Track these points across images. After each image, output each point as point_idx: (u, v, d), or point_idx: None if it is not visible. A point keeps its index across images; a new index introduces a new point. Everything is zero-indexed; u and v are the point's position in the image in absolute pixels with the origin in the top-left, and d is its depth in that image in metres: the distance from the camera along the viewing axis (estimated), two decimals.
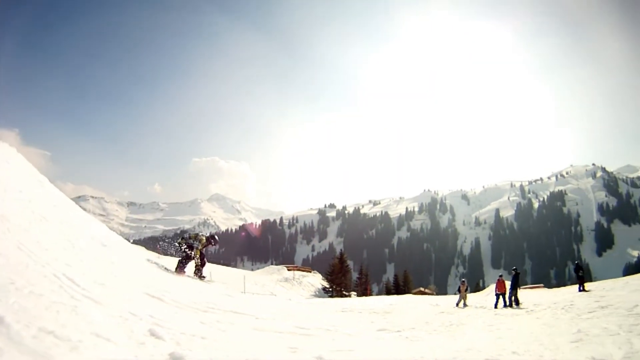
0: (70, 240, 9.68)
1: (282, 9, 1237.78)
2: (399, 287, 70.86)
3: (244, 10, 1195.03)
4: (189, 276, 18.62)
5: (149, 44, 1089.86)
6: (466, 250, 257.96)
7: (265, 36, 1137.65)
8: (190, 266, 19.57)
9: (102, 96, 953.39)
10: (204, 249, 19.71)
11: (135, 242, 67.36)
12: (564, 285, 39.67)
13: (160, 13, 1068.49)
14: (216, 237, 20.61)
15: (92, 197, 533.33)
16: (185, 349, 5.86)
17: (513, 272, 23.83)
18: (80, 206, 17.92)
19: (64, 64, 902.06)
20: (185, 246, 19.34)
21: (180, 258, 19.44)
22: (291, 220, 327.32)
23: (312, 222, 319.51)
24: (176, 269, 18.82)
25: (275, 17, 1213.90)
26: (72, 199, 18.03)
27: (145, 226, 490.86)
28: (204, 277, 19.29)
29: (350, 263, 64.94)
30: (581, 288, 25.32)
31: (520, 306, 21.50)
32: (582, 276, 26.10)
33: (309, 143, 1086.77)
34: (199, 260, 19.28)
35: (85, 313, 5.74)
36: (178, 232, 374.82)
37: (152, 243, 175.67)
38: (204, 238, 19.73)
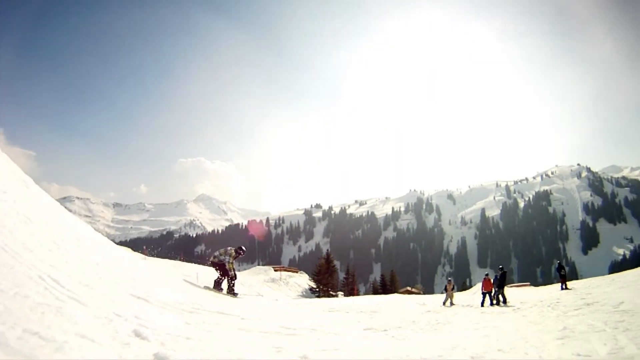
0: (56, 241, 9.63)
1: (268, 8, 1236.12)
2: (385, 287, 70.94)
3: (229, 10, 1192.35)
4: (224, 294, 18.75)
5: (135, 44, 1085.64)
6: (452, 250, 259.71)
7: (250, 36, 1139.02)
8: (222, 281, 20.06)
9: (87, 96, 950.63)
10: (234, 261, 19.87)
11: (121, 244, 66.74)
12: (550, 283, 40.22)
13: (146, 13, 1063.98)
14: (243, 247, 20.99)
15: (78, 198, 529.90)
16: (170, 350, 5.89)
17: (500, 271, 24.06)
18: (65, 207, 17.80)
19: (49, 64, 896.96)
20: (218, 267, 19.54)
21: (216, 278, 19.63)
22: (277, 221, 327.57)
23: (298, 223, 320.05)
24: (214, 287, 19.11)
25: (260, 16, 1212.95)
26: (57, 200, 17.91)
27: (131, 227, 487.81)
28: (236, 293, 19.34)
29: (337, 263, 65.11)
30: (563, 286, 25.80)
31: (507, 304, 21.73)
32: (564, 275, 26.76)
33: (295, 143, 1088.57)
34: (233, 273, 19.44)
35: (70, 314, 5.74)
36: (164, 233, 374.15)
37: (138, 244, 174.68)
38: (233, 251, 19.89)
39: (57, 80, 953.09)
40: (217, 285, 19.29)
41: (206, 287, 18.65)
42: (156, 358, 5.33)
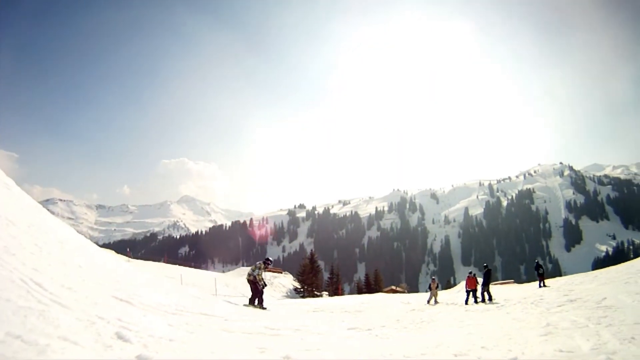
0: (38, 244, 9.56)
1: (253, 8, 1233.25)
2: (370, 286, 71.10)
3: (215, 10, 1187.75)
4: (256, 307, 18.76)
5: (119, 45, 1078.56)
6: (436, 249, 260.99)
7: (235, 36, 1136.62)
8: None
9: (71, 97, 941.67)
10: (263, 272, 20.00)
11: (104, 246, 66.37)
12: (534, 280, 40.58)
13: (131, 13, 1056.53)
14: (270, 258, 21.29)
15: (61, 200, 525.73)
16: (153, 352, 5.90)
17: (484, 269, 24.34)
18: (48, 209, 17.63)
19: (31, 64, 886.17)
20: (252, 284, 19.60)
21: (251, 295, 19.78)
22: (261, 221, 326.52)
23: (282, 223, 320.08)
24: (250, 303, 19.21)
25: (246, 16, 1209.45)
26: (40, 202, 17.73)
27: (114, 229, 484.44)
28: (265, 307, 19.33)
29: (321, 263, 65.16)
30: (541, 284, 26.28)
31: (493, 302, 21.94)
32: (541, 273, 27.38)
33: (278, 143, 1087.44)
34: (262, 283, 19.50)
35: (53, 317, 5.73)
36: (148, 234, 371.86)
37: (121, 246, 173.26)
38: (262, 264, 20.01)
39: (40, 82, 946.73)
40: (252, 301, 19.38)
41: (245, 305, 18.74)
42: None
